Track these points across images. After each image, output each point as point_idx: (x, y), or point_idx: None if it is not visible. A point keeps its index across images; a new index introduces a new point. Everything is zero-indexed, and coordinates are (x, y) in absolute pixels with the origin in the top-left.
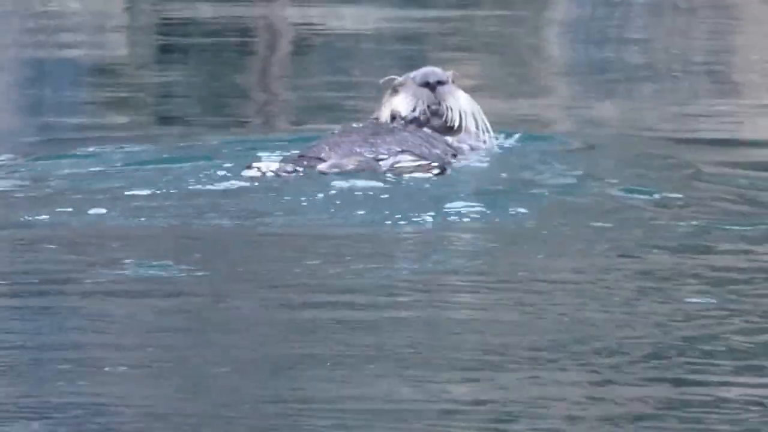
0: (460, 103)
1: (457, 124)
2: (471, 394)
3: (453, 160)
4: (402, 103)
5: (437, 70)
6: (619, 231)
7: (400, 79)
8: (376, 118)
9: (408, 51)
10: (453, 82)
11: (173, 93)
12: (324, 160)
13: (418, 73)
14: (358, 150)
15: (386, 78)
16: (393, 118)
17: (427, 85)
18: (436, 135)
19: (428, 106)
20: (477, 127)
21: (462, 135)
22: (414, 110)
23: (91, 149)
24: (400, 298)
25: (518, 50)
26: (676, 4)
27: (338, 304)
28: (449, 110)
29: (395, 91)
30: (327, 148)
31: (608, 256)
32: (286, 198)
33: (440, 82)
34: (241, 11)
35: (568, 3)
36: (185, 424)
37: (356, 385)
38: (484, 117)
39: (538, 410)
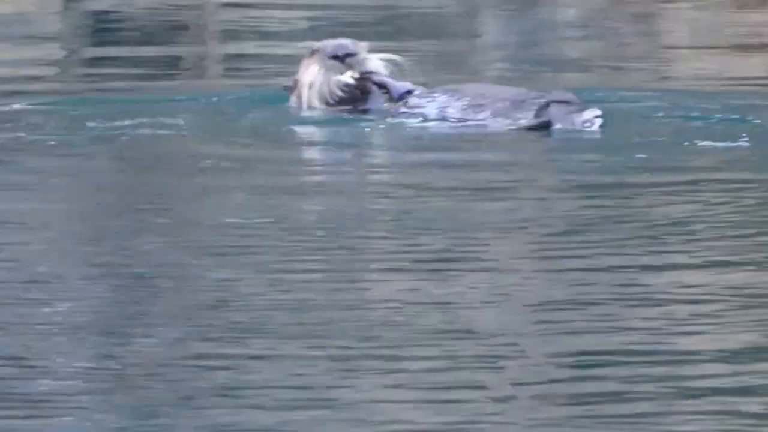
0: (374, 67)
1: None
2: None
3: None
4: (312, 73)
5: (346, 42)
6: None
7: (316, 45)
8: (296, 79)
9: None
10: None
11: None
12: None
13: (328, 45)
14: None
15: (304, 43)
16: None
17: (336, 57)
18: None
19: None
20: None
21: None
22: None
23: None
24: None
25: None
26: None
27: None
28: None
29: (311, 57)
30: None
31: None
32: None
33: (348, 54)
34: None
35: None
36: None
37: None
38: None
39: None
